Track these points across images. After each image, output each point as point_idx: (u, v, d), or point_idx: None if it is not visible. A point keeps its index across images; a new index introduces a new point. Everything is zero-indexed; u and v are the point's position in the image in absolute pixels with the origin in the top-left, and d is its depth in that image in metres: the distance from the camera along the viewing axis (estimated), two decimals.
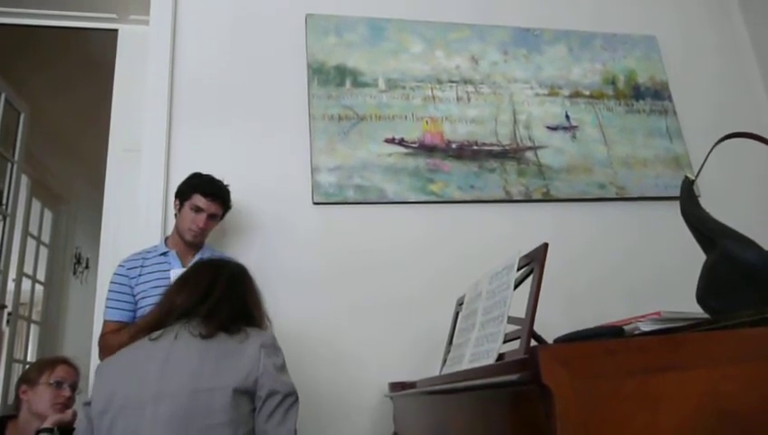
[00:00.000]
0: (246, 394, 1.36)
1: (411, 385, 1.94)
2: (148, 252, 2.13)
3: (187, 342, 1.41)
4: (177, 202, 2.15)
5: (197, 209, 2.09)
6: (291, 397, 1.42)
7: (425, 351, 2.29)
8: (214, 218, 2.14)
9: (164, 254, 2.10)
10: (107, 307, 2.05)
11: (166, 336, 1.44)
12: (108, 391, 1.37)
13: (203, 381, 1.32)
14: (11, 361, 3.92)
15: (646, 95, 3.08)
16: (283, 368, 1.45)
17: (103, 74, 3.17)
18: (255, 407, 1.38)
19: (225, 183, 2.18)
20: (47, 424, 1.93)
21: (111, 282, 2.08)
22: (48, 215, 4.93)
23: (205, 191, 2.10)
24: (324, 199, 2.50)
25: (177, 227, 2.15)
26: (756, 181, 2.98)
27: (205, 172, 2.17)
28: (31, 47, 3.81)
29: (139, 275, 2.04)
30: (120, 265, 2.11)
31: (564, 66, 3.03)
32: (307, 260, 2.43)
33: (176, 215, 2.16)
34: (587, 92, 3.00)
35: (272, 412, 1.37)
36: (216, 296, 1.53)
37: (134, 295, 2.03)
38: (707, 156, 1.30)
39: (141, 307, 1.98)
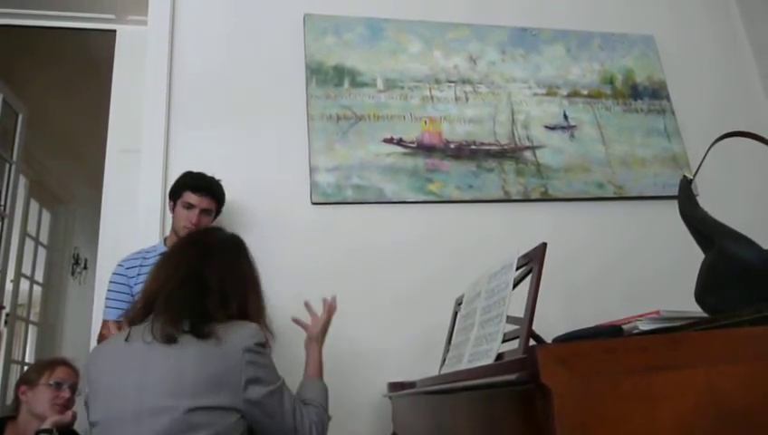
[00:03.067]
0: (230, 410, 1.29)
1: (410, 385, 1.94)
2: (148, 252, 2.14)
3: (160, 350, 1.32)
4: (171, 202, 2.16)
5: (189, 206, 2.09)
6: (278, 392, 1.40)
7: (424, 350, 2.29)
8: (207, 214, 2.14)
9: (163, 254, 2.10)
10: (106, 307, 2.05)
11: (136, 338, 1.36)
12: (92, 404, 1.35)
13: (183, 399, 1.25)
14: (9, 362, 3.92)
15: (644, 94, 3.08)
16: (266, 366, 1.39)
17: (102, 75, 3.17)
18: (243, 414, 1.31)
19: (217, 178, 2.18)
20: (46, 425, 1.93)
21: (110, 281, 2.08)
22: (46, 215, 4.93)
23: (194, 187, 2.11)
24: (323, 199, 2.50)
25: (173, 227, 2.15)
26: (754, 180, 2.99)
27: (204, 172, 2.17)
28: (29, 48, 3.81)
29: (138, 275, 2.04)
30: (119, 265, 2.11)
31: (562, 66, 3.03)
32: (306, 260, 2.43)
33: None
34: (585, 92, 3.00)
35: (271, 414, 1.37)
36: (188, 283, 1.43)
37: (133, 295, 2.02)
38: (705, 155, 1.30)
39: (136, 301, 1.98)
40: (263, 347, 1.39)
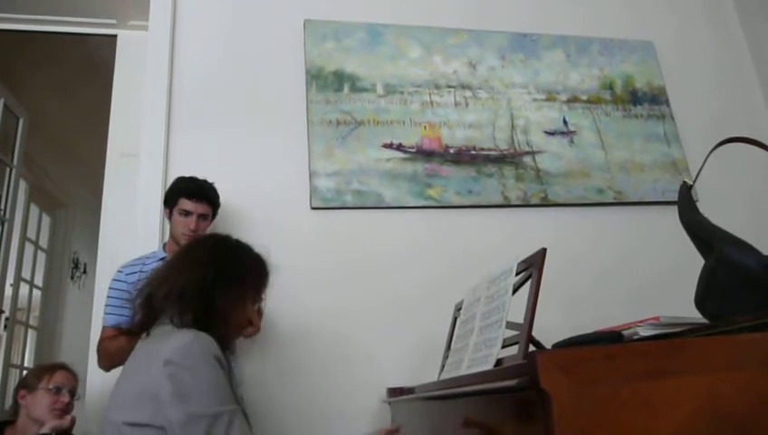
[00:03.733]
0: (155, 428, 1.16)
1: (410, 391, 1.94)
2: (148, 258, 2.13)
3: (131, 361, 1.31)
4: (167, 210, 2.15)
5: (186, 213, 2.08)
6: (204, 419, 1.15)
7: (423, 356, 2.28)
8: (204, 218, 2.13)
9: (163, 259, 2.09)
10: (105, 313, 2.04)
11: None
12: None
13: (116, 412, 1.21)
14: (8, 366, 3.91)
15: (643, 100, 3.08)
16: (195, 385, 1.17)
17: (102, 79, 3.18)
18: None
19: (210, 181, 2.17)
20: (45, 429, 1.93)
21: (110, 288, 2.08)
22: (46, 220, 4.92)
23: (189, 193, 2.10)
24: (322, 204, 2.50)
25: (171, 234, 2.15)
26: (754, 186, 2.99)
27: (202, 177, 2.16)
28: (30, 52, 3.82)
29: (138, 281, 2.02)
30: (118, 271, 2.10)
31: (562, 71, 3.03)
32: (305, 265, 2.42)
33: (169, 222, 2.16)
34: (584, 97, 3.01)
35: None
36: (158, 282, 1.40)
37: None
38: (705, 161, 1.31)
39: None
40: (198, 360, 1.20)
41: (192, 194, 2.10)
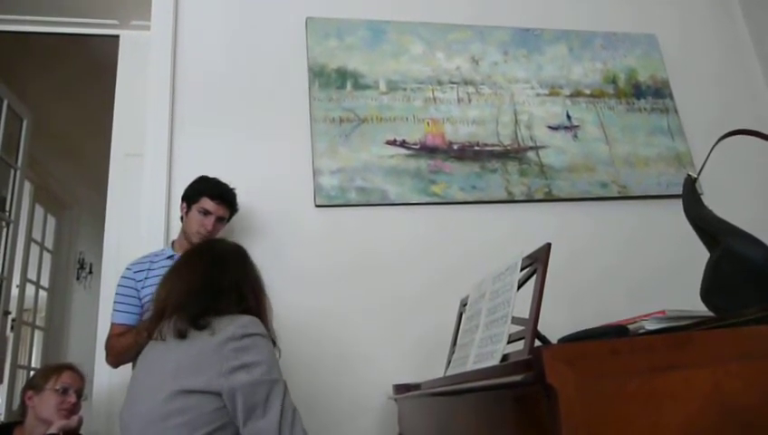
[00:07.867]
0: (209, 394, 1.29)
1: (416, 387, 1.94)
2: (156, 255, 2.13)
3: (164, 345, 1.40)
4: (185, 205, 2.15)
5: (205, 212, 2.09)
6: (267, 384, 1.32)
7: (429, 352, 2.29)
8: (221, 221, 2.14)
9: (171, 257, 2.09)
10: (114, 310, 2.05)
11: (155, 339, 1.45)
12: None
13: (165, 387, 1.29)
14: (15, 367, 3.93)
15: (647, 94, 3.08)
16: (258, 355, 1.34)
17: (105, 79, 3.19)
18: (224, 404, 1.30)
19: (232, 186, 2.18)
20: (53, 430, 1.93)
21: (118, 285, 2.08)
22: (51, 220, 4.95)
23: (212, 194, 2.11)
24: (327, 202, 2.50)
25: (184, 231, 2.14)
26: (759, 178, 2.98)
27: (219, 179, 2.17)
28: (33, 53, 3.83)
29: (146, 279, 2.04)
30: (127, 269, 2.11)
31: (565, 66, 3.02)
32: (310, 262, 2.43)
33: (182, 218, 2.16)
34: (588, 92, 3.00)
35: (252, 406, 1.30)
36: (193, 286, 1.48)
37: (140, 299, 2.03)
38: (709, 154, 1.30)
39: (148, 310, 1.98)
40: (257, 338, 1.37)
41: (215, 195, 2.11)
